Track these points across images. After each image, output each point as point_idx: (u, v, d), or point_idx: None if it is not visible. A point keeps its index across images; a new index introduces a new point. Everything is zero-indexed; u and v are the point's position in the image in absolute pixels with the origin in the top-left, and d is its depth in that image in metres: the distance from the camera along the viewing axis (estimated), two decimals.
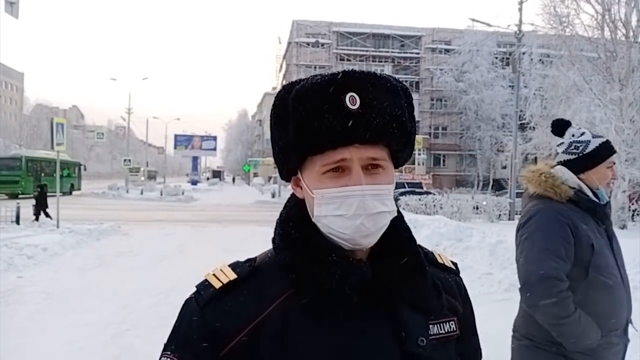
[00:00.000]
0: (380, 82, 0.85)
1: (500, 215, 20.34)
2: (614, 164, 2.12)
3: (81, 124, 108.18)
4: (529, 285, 2.00)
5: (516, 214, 21.55)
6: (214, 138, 74.02)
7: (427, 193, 24.97)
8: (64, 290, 7.29)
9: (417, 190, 27.05)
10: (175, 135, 70.98)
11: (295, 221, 0.91)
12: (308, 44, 48.75)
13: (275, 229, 0.94)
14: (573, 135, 2.14)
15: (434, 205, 19.68)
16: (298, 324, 0.83)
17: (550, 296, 1.94)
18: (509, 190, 22.91)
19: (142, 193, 36.85)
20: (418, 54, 50.36)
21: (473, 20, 46.03)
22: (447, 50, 48.14)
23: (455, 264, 1.05)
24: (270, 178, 55.81)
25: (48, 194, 16.25)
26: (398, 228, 0.92)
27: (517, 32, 22.65)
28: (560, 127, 2.18)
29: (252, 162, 68.44)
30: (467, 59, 44.45)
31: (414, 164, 45.56)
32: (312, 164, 0.85)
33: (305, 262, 0.86)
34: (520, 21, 22.64)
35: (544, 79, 21.49)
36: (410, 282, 0.89)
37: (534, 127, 21.07)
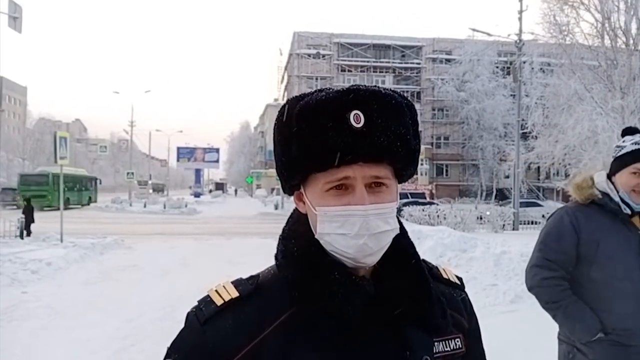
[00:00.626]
0: (386, 99, 0.84)
1: (504, 225, 20.26)
2: (638, 171, 2.06)
3: (84, 137, 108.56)
4: (525, 273, 2.32)
5: (520, 223, 21.48)
6: (217, 150, 74.32)
7: (431, 203, 24.92)
8: (68, 305, 7.28)
9: (420, 200, 27.00)
10: (178, 148, 71.28)
11: (297, 237, 0.90)
12: (309, 55, 49.03)
13: (278, 245, 0.93)
14: (624, 141, 2.15)
15: (438, 216, 19.64)
16: (300, 343, 0.82)
17: (535, 282, 2.24)
18: (513, 199, 22.83)
19: (145, 206, 36.89)
20: (419, 64, 50.52)
21: (473, 30, 46.32)
22: (447, 60, 48.29)
23: (460, 279, 1.04)
24: (273, 190, 55.80)
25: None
26: (402, 244, 0.92)
27: (518, 41, 22.73)
28: (625, 134, 2.21)
29: (255, 174, 68.54)
30: (468, 68, 44.59)
31: (416, 174, 45.48)
32: (316, 181, 0.85)
33: (307, 280, 0.85)
34: (521, 30, 22.73)
35: (545, 88, 21.52)
36: (414, 300, 0.88)
37: (536, 136, 21.06)
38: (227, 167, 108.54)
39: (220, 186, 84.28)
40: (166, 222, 24.99)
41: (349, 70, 49.79)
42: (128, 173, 41.07)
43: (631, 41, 18.08)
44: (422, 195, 31.92)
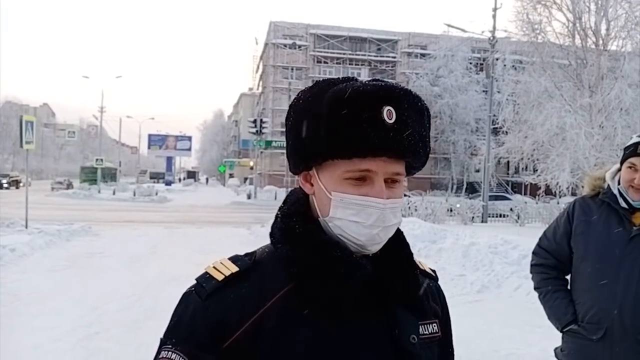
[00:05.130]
0: (415, 100, 0.87)
1: (473, 217, 20.62)
2: (634, 166, 1.99)
3: (52, 122, 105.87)
4: None
5: (489, 216, 21.90)
6: (189, 138, 73.24)
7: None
8: (31, 292, 7.10)
9: None
10: (149, 135, 69.97)
11: (299, 217, 0.91)
12: (285, 45, 48.62)
13: (276, 223, 0.94)
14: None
15: (409, 208, 19.85)
16: (298, 316, 0.84)
17: (530, 268, 2.37)
18: (482, 193, 23.23)
19: (114, 193, 36.21)
20: (394, 57, 50.72)
21: (448, 25, 46.58)
22: (422, 55, 48.61)
23: (434, 271, 1.08)
24: (246, 179, 55.43)
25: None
26: (396, 231, 0.95)
27: (491, 38, 23.03)
28: None
29: (228, 163, 67.89)
30: (442, 63, 44.97)
31: None
32: (334, 167, 0.86)
33: (309, 256, 0.87)
34: (494, 27, 23.03)
35: (517, 85, 21.90)
36: (404, 283, 0.92)
37: (506, 132, 21.43)
38: (200, 155, 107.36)
39: (192, 175, 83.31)
40: (136, 210, 24.60)
41: (324, 62, 49.66)
42: (97, 159, 40.30)
43: (600, 41, 18.54)
44: None
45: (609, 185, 2.11)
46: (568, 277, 2.25)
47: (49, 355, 4.72)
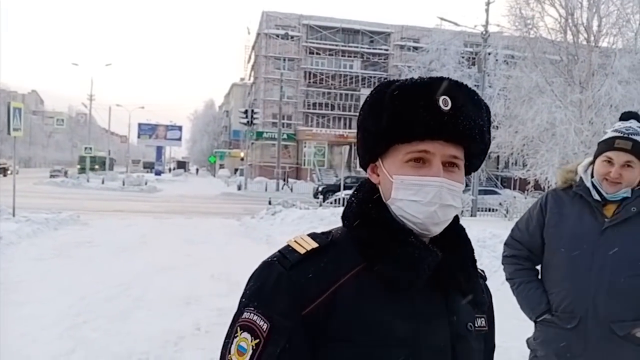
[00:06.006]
0: (471, 93, 0.97)
1: (462, 211, 20.74)
2: (610, 160, 2.03)
3: (40, 110, 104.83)
4: None
5: (478, 210, 22.04)
6: (179, 128, 72.80)
7: None
8: (18, 280, 7.05)
9: None
10: (139, 124, 69.44)
11: (374, 204, 0.99)
12: (277, 35, 48.33)
13: (350, 208, 1.02)
14: (612, 126, 2.12)
15: None
16: (370, 294, 0.92)
17: (502, 259, 2.42)
18: (472, 187, 23.36)
19: (103, 182, 36.00)
20: (387, 50, 50.62)
21: (441, 19, 46.51)
22: (415, 48, 48.51)
23: (483, 271, 1.14)
24: (236, 170, 55.22)
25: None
26: (455, 223, 1.02)
27: (484, 32, 23.05)
28: (621, 118, 2.15)
29: (218, 154, 67.57)
30: (435, 57, 44.93)
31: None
32: (396, 152, 0.95)
33: (386, 239, 0.94)
34: (487, 22, 23.04)
35: (508, 80, 21.95)
36: (465, 274, 0.99)
37: (497, 127, 21.50)
38: (190, 145, 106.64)
39: (182, 165, 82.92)
40: (125, 200, 24.47)
41: (317, 53, 49.46)
42: (86, 148, 40.04)
43: (592, 38, 18.60)
44: None
45: (581, 177, 2.15)
46: (538, 267, 2.30)
47: (36, 343, 4.70)
